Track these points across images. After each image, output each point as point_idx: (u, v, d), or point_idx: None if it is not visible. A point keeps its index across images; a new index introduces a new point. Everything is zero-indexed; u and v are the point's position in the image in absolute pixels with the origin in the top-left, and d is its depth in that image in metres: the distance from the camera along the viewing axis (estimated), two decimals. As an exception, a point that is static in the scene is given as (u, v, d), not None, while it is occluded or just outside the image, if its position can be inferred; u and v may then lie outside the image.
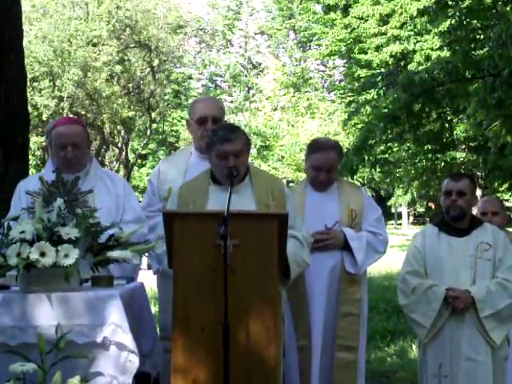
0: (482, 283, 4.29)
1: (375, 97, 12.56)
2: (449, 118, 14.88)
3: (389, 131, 13.03)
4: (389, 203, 26.81)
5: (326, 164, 4.47)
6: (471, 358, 4.22)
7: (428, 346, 4.35)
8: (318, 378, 4.34)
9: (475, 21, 9.98)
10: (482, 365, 4.22)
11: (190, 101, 21.98)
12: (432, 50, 14.05)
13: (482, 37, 10.07)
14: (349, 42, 18.10)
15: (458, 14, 9.63)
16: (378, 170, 16.99)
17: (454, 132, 14.69)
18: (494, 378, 4.26)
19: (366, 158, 13.34)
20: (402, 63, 14.27)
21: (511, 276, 4.31)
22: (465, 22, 9.90)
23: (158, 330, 4.09)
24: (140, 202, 4.68)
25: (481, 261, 4.32)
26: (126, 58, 28.39)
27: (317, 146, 4.57)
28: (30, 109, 7.18)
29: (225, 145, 3.68)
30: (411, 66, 13.73)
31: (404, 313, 4.58)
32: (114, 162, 31.98)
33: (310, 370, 4.35)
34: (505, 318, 4.28)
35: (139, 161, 36.54)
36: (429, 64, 12.67)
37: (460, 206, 4.36)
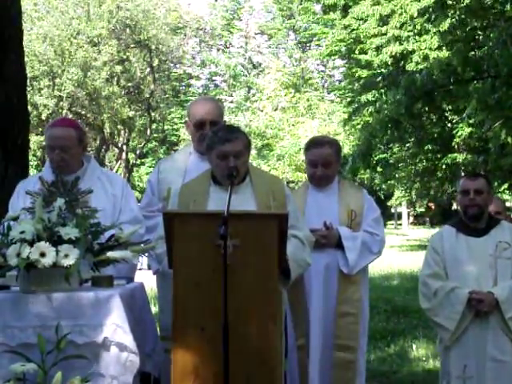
0: (504, 283, 4.27)
1: (376, 95, 12.57)
2: (449, 118, 14.91)
3: (389, 131, 13.06)
4: (389, 203, 26.77)
5: (321, 158, 4.49)
6: (497, 359, 4.21)
7: (451, 348, 4.32)
8: (317, 377, 4.33)
9: (475, 20, 9.99)
10: (508, 365, 4.22)
11: (191, 99, 21.92)
12: (430, 49, 14.04)
13: (481, 37, 10.08)
14: (349, 42, 18.09)
15: (457, 13, 9.64)
16: (379, 170, 17.02)
17: (456, 133, 14.69)
18: None
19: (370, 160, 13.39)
20: (402, 63, 14.24)
21: None
22: (464, 22, 9.91)
23: (158, 330, 4.08)
24: (139, 202, 4.67)
25: (501, 260, 4.30)
26: (125, 57, 28.41)
27: (312, 143, 4.65)
28: (29, 108, 7.16)
29: (225, 145, 3.67)
30: (409, 66, 13.72)
31: (427, 316, 4.55)
32: (114, 162, 32.00)
33: (308, 370, 4.34)
34: None
35: (139, 160, 36.54)
36: (427, 64, 12.65)
37: (478, 205, 4.36)
